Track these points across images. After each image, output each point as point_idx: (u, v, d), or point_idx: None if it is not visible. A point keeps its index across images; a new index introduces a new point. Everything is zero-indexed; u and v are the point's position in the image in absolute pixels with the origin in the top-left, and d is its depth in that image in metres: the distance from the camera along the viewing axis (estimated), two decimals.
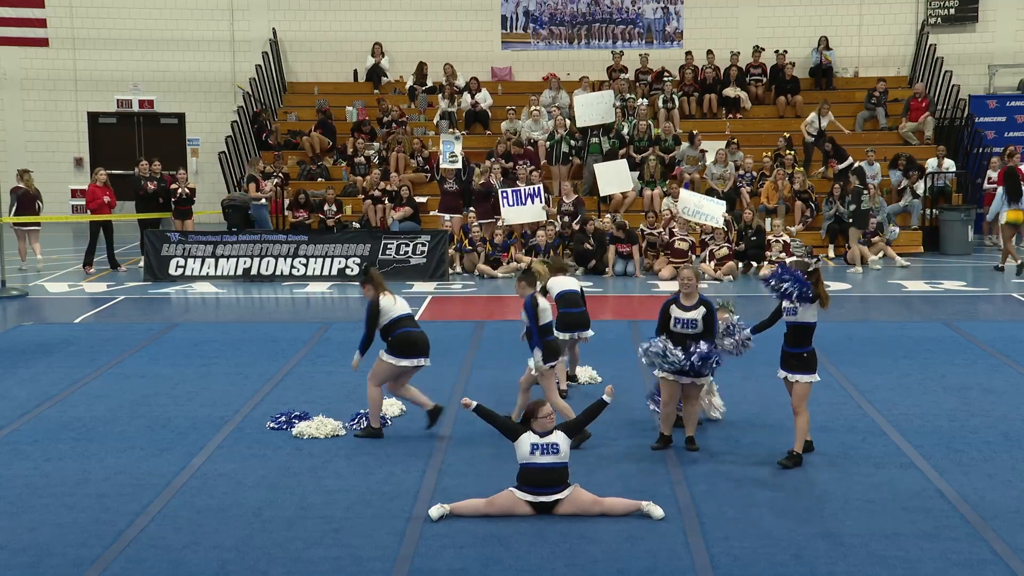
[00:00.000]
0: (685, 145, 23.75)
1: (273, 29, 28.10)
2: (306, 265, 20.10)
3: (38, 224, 21.70)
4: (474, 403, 9.13)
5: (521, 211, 21.20)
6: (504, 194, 21.20)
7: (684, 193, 20.86)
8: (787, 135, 24.13)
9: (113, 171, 22.96)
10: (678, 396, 10.07)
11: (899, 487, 9.22)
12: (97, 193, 21.29)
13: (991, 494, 9.08)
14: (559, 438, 8.72)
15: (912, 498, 8.98)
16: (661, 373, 9.96)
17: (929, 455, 9.97)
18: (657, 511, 8.56)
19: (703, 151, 23.44)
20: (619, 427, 10.70)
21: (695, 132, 23.85)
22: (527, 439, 8.70)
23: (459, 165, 22.17)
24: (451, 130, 24.65)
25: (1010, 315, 16.84)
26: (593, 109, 22.67)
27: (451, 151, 22.07)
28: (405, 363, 10.45)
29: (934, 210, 23.00)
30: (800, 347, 9.72)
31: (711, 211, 20.26)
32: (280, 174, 23.26)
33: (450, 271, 20.30)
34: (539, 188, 21.32)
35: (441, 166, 22.38)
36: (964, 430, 10.73)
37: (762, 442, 10.34)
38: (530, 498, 8.57)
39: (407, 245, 20.17)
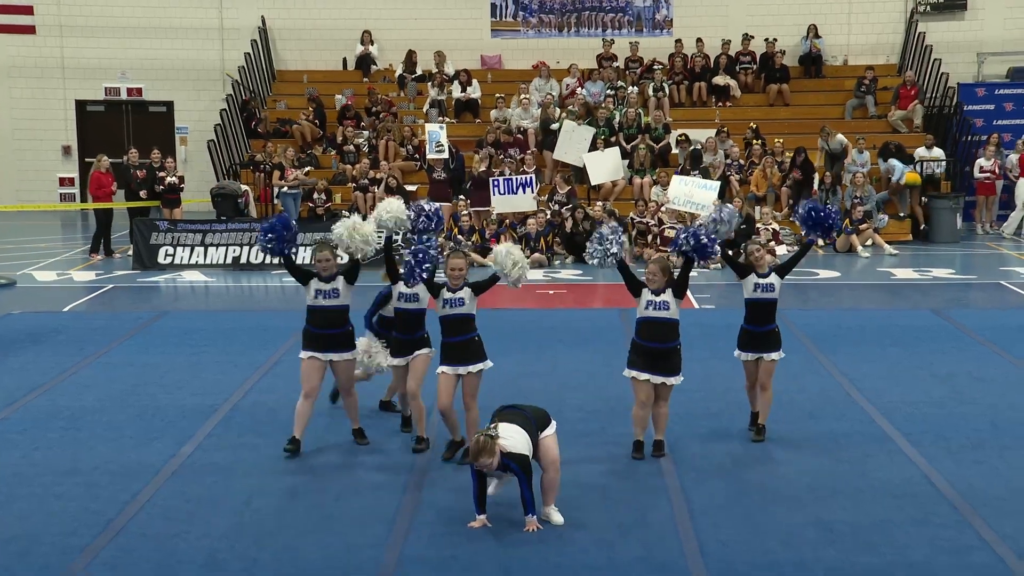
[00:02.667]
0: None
1: (262, 17, 27.98)
2: (296, 254, 20.00)
3: None
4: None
5: (512, 200, 21.17)
6: (495, 183, 21.17)
7: (674, 182, 20.81)
8: (754, 125, 24.12)
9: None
10: (653, 397, 9.62)
11: (888, 475, 9.26)
12: (103, 180, 21.26)
13: (979, 482, 9.12)
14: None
15: (900, 485, 9.02)
16: (632, 373, 9.56)
17: (918, 443, 10.00)
18: (556, 518, 8.30)
19: (708, 139, 23.29)
20: (608, 415, 10.70)
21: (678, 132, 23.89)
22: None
23: (445, 155, 22.13)
24: (440, 117, 24.63)
25: (999, 303, 16.89)
26: (571, 143, 22.39)
27: (437, 140, 22.03)
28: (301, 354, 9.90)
29: (923, 198, 23.04)
30: (770, 324, 10.04)
31: (701, 199, 20.22)
32: (270, 164, 23.16)
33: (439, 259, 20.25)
34: (531, 178, 21.30)
35: (428, 156, 22.35)
36: (953, 418, 10.77)
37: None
38: None
39: (397, 233, 20.06)
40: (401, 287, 9.70)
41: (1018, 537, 8.01)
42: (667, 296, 9.47)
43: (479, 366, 9.46)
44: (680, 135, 23.38)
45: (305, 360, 9.76)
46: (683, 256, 9.64)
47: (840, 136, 23.13)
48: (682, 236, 9.62)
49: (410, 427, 10.15)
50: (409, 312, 9.80)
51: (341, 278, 9.77)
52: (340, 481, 9.22)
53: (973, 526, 8.22)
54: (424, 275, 9.44)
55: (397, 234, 10.30)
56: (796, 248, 10.21)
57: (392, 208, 9.91)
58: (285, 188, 22.38)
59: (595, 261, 9.68)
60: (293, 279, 10.03)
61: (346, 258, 10.26)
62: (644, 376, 9.51)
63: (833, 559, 7.68)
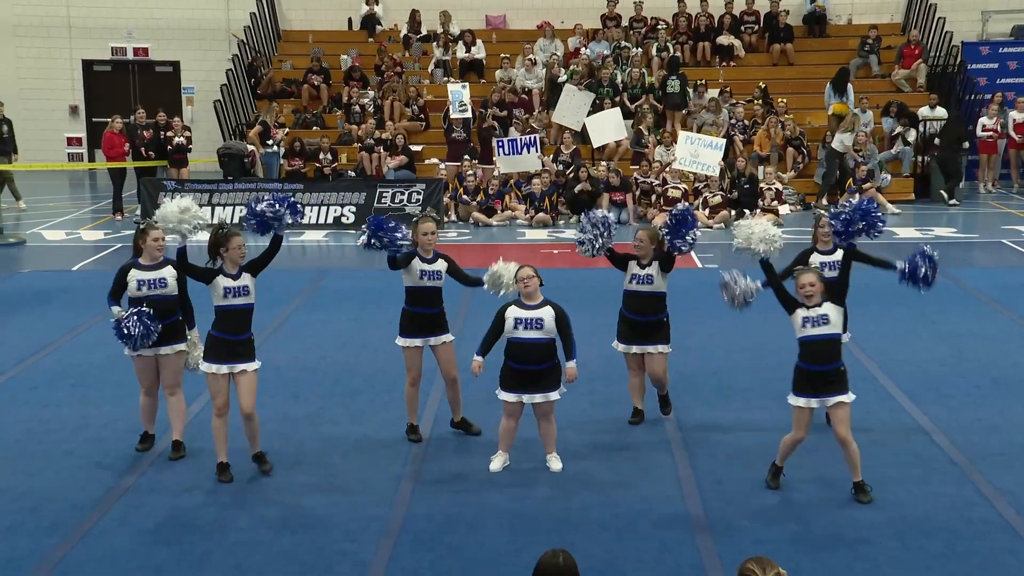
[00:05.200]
0: (691, 94, 23.67)
1: None
2: (302, 214, 19.94)
3: None
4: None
5: (516, 160, 21.07)
6: (500, 143, 21.07)
7: (681, 142, 20.69)
8: (763, 85, 24.03)
9: (106, 120, 22.79)
10: (643, 366, 9.37)
11: (889, 431, 9.27)
12: (115, 141, 21.23)
13: (979, 438, 9.14)
14: (545, 313, 8.32)
15: (902, 442, 9.04)
16: (620, 346, 9.31)
17: (920, 400, 10.00)
18: (556, 464, 8.50)
19: (712, 100, 23.24)
20: (611, 373, 10.68)
21: (700, 81, 23.78)
22: (511, 313, 8.38)
23: (468, 114, 22.08)
24: (446, 78, 24.50)
25: (1000, 261, 16.85)
26: (571, 106, 22.34)
27: (460, 100, 21.94)
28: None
29: (925, 157, 22.93)
30: (834, 363, 7.94)
31: (708, 159, 20.15)
32: (276, 123, 23.10)
33: (445, 219, 20.24)
34: (535, 138, 21.19)
35: (451, 115, 22.21)
36: (954, 375, 10.76)
37: (753, 388, 10.36)
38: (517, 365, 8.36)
39: (402, 193, 20.11)
40: (225, 280, 8.30)
41: (1018, 492, 8.03)
42: (652, 270, 9.16)
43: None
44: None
45: (134, 359, 8.81)
46: (669, 248, 9.12)
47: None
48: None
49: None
50: (236, 309, 8.32)
51: (170, 267, 8.75)
52: (346, 439, 9.24)
53: (973, 482, 8.24)
54: (399, 240, 8.74)
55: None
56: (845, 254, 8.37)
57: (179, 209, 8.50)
58: (273, 148, 22.37)
59: (586, 252, 9.25)
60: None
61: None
62: (632, 348, 9.30)
63: (834, 515, 7.69)
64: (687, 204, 20.11)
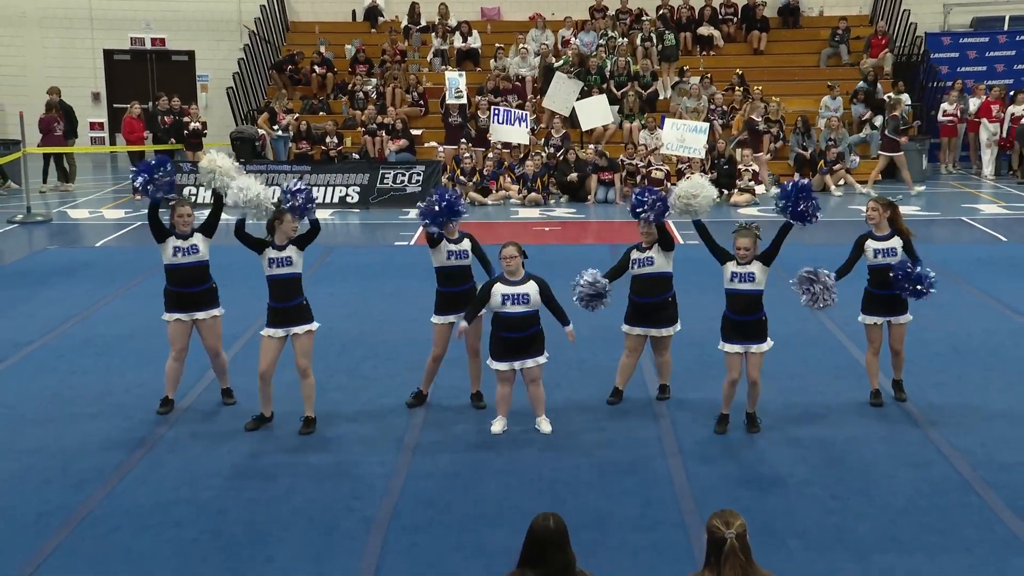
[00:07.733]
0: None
1: None
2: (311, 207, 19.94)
3: None
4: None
5: (508, 130, 21.08)
6: (496, 111, 21.13)
7: (667, 127, 20.64)
8: (739, 72, 24.00)
9: (126, 106, 22.73)
10: (641, 349, 9.21)
11: (855, 395, 9.33)
12: (134, 126, 21.16)
13: (939, 401, 9.21)
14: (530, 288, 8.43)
15: (867, 405, 9.10)
16: (625, 327, 9.15)
17: (883, 366, 9.99)
18: (546, 427, 8.56)
19: (693, 86, 23.21)
20: (598, 343, 10.71)
21: (685, 68, 23.79)
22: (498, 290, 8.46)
23: (464, 100, 22.00)
24: (444, 66, 24.40)
25: (960, 238, 16.87)
26: (560, 93, 22.29)
27: (456, 87, 21.85)
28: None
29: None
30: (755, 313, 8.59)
31: (694, 143, 20.14)
32: (284, 109, 23.04)
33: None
34: (526, 114, 21.30)
35: (448, 101, 22.14)
36: (916, 344, 10.75)
37: None
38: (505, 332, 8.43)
39: (403, 175, 20.09)
40: (271, 252, 8.50)
41: (973, 451, 8.10)
42: (652, 252, 8.96)
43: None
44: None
45: (171, 322, 8.94)
46: (651, 222, 8.88)
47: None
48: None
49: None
50: (282, 278, 8.51)
51: (199, 234, 8.91)
52: (352, 405, 9.27)
53: (933, 442, 8.30)
54: (452, 218, 8.91)
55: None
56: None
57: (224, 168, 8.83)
58: (279, 132, 22.30)
59: (579, 302, 9.09)
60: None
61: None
62: (638, 330, 9.09)
63: (805, 473, 7.75)
64: (668, 184, 20.27)
